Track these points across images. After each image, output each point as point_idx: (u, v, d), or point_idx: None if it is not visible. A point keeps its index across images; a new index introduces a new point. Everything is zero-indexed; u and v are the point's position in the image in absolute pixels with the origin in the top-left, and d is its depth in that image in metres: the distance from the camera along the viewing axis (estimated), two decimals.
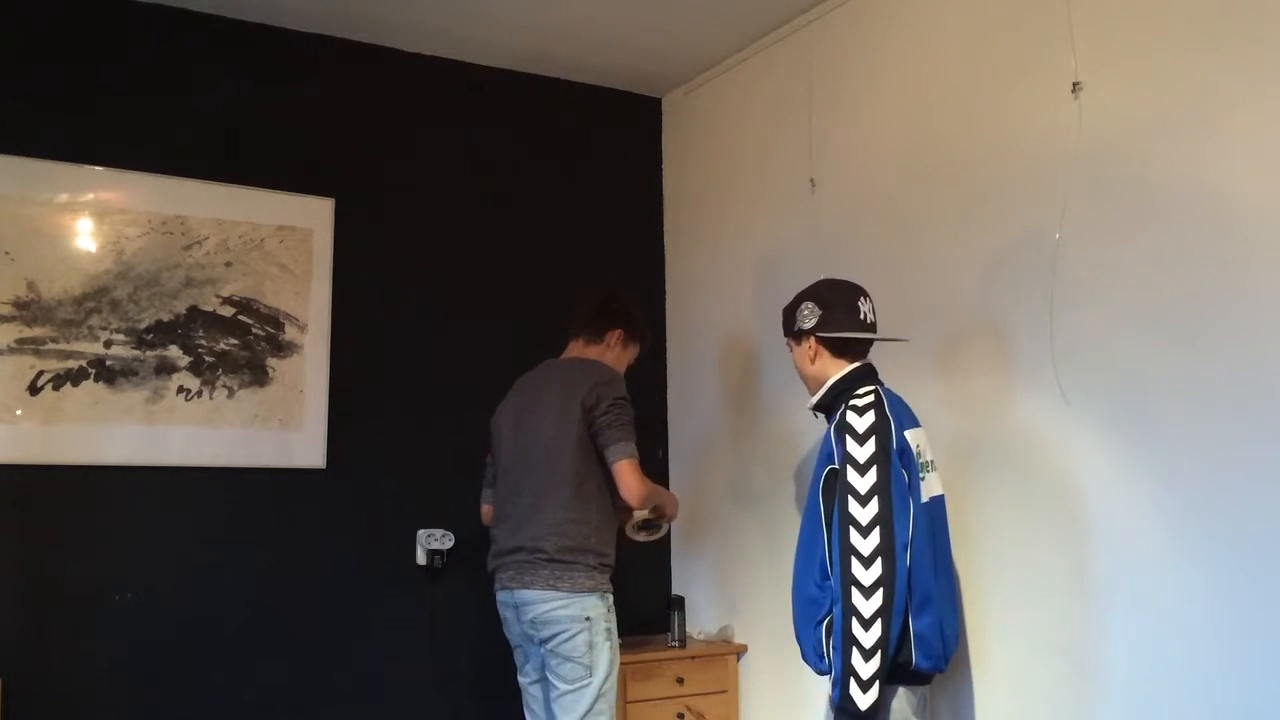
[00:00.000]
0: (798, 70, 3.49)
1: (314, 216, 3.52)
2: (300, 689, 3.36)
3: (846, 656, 2.19)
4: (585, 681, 2.79)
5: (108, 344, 3.20)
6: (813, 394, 2.53)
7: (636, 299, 3.33)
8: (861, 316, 2.50)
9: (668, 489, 3.48)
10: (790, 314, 2.56)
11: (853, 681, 2.18)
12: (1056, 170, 2.58)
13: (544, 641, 2.85)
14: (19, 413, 3.08)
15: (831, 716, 2.28)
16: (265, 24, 3.52)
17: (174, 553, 3.24)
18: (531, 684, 2.96)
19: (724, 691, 3.54)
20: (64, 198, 3.19)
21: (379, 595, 3.49)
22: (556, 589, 2.81)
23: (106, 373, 3.19)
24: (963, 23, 2.92)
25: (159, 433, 3.24)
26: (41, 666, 3.04)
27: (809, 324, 2.50)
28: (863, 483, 2.25)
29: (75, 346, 3.16)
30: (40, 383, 3.11)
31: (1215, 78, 2.27)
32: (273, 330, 3.43)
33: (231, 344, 3.37)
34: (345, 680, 3.42)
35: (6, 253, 3.11)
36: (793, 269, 3.44)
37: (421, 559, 3.54)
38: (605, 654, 2.82)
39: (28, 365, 3.10)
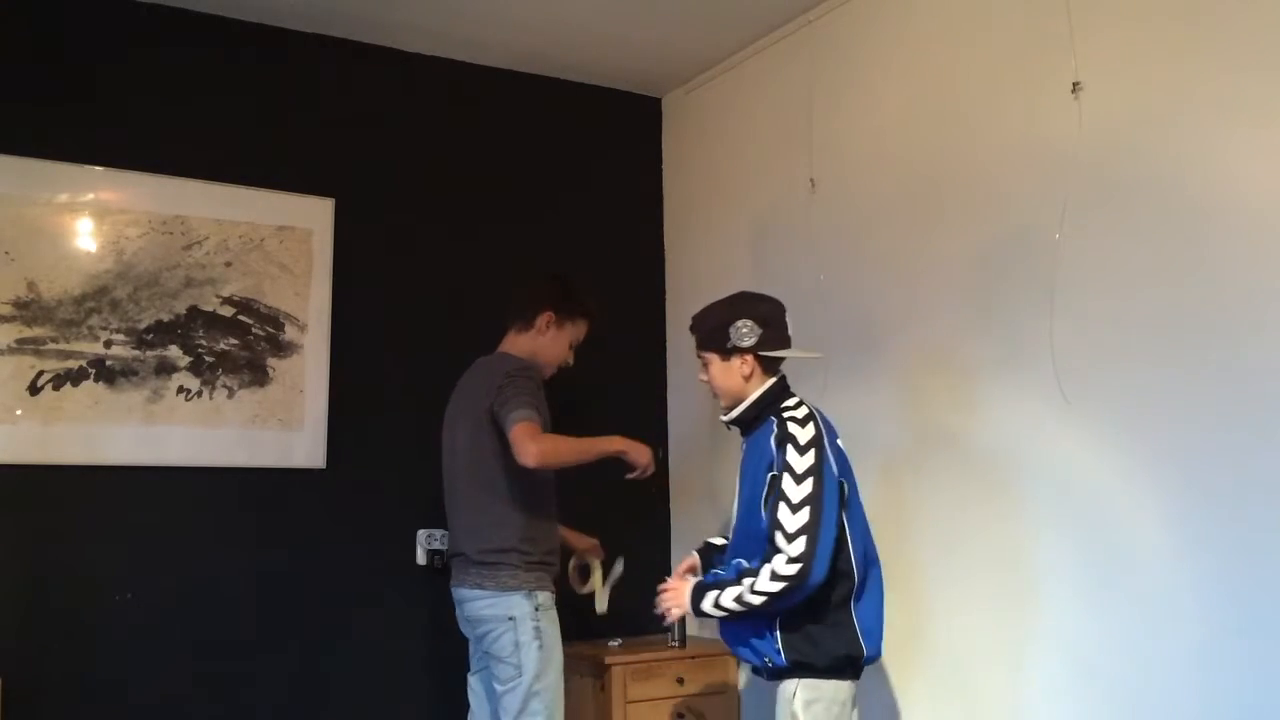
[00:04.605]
0: (798, 70, 3.49)
1: (314, 216, 3.52)
2: (300, 688, 3.36)
3: (739, 589, 2.31)
4: (516, 682, 2.80)
5: (108, 344, 3.20)
6: (728, 408, 2.52)
7: (577, 276, 3.22)
8: (790, 332, 2.53)
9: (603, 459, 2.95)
10: (721, 330, 2.49)
11: (724, 595, 2.33)
12: (1056, 170, 2.58)
13: (479, 639, 2.92)
14: (19, 413, 3.08)
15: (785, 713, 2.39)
16: (265, 24, 3.52)
17: (174, 553, 3.24)
18: (471, 674, 3.01)
19: (724, 692, 3.54)
20: (64, 198, 3.19)
21: (379, 595, 3.49)
22: (483, 587, 2.85)
23: (106, 373, 3.19)
24: (963, 23, 2.92)
25: (159, 433, 3.24)
26: (41, 666, 3.04)
27: (748, 342, 2.47)
28: (797, 491, 2.31)
29: (75, 346, 3.16)
30: (40, 383, 3.11)
31: (1215, 78, 2.27)
32: (273, 330, 3.43)
33: (231, 344, 3.37)
34: (345, 680, 3.42)
35: (6, 253, 3.11)
36: (793, 269, 3.44)
37: (421, 559, 3.54)
38: (533, 653, 2.80)
39: (28, 365, 3.10)
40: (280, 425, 3.40)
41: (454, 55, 3.80)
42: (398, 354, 3.61)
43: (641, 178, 4.18)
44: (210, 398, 3.32)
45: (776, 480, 2.34)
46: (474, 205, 3.81)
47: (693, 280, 4.00)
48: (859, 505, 2.46)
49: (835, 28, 3.36)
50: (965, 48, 2.90)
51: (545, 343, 3.06)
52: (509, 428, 2.76)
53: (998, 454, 2.72)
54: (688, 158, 4.10)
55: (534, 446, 2.71)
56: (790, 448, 2.35)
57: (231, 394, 3.35)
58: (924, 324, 2.96)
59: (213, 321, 3.35)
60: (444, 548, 3.52)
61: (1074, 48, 2.56)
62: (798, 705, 2.34)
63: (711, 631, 3.73)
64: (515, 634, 2.81)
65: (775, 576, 2.26)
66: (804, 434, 2.36)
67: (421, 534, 3.54)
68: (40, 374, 3.11)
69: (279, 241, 3.46)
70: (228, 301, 3.38)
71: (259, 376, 3.39)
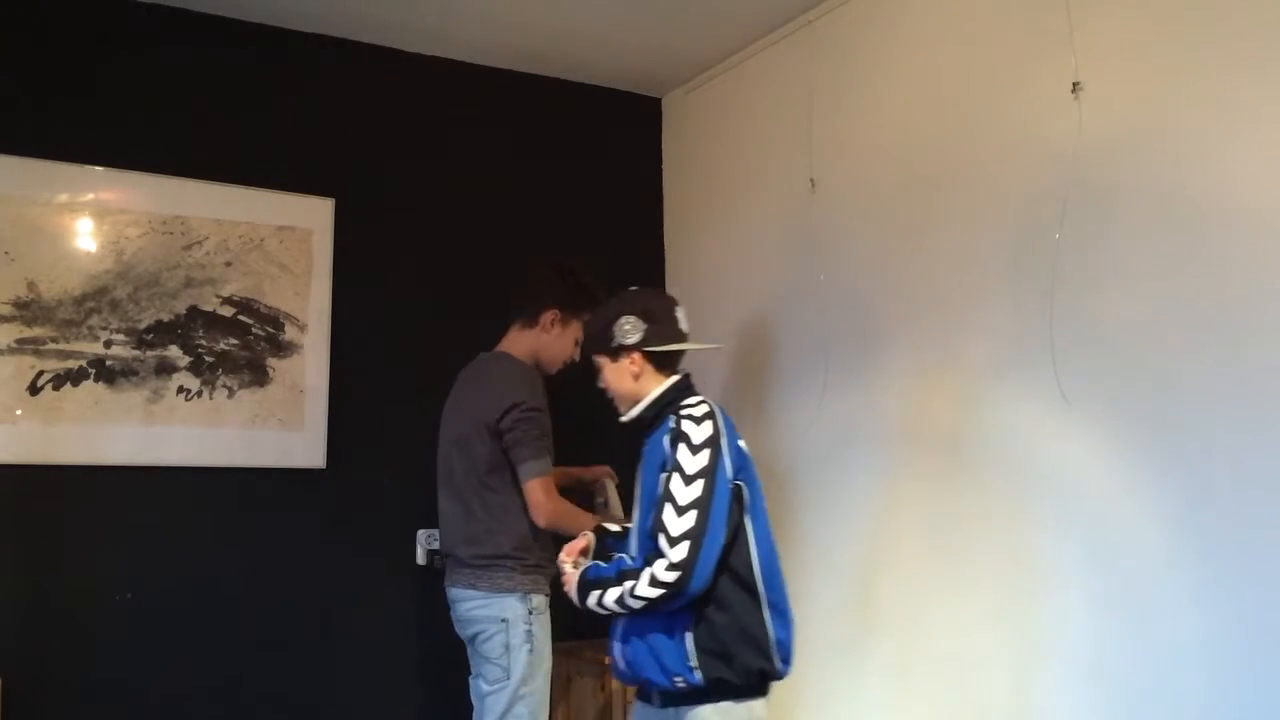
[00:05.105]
0: (798, 70, 3.49)
1: (314, 216, 3.52)
2: (300, 688, 3.36)
3: (619, 590, 2.22)
4: (502, 684, 2.79)
5: (108, 344, 3.20)
6: (625, 411, 2.44)
7: (581, 266, 3.17)
8: (681, 327, 2.45)
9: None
10: (606, 330, 2.43)
11: (606, 596, 2.25)
12: (1056, 170, 2.58)
13: (470, 640, 2.90)
14: (19, 413, 3.08)
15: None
16: (265, 24, 3.52)
17: (174, 553, 3.24)
18: (472, 677, 2.97)
19: None
20: (64, 198, 3.19)
21: (378, 595, 3.50)
22: (476, 588, 2.85)
23: (106, 373, 3.19)
24: (963, 23, 2.92)
25: (159, 433, 3.24)
26: (41, 666, 3.04)
27: (632, 339, 2.39)
28: (685, 493, 2.20)
29: (75, 346, 3.16)
30: (40, 383, 3.11)
31: (1215, 77, 2.27)
32: (273, 330, 3.43)
33: (231, 344, 3.37)
34: (344, 680, 3.42)
35: (6, 253, 3.11)
36: (793, 269, 3.45)
37: (421, 559, 3.54)
38: (523, 657, 2.80)
39: (28, 365, 3.10)
40: (280, 425, 3.40)
41: (454, 55, 3.80)
42: (398, 354, 3.61)
43: (641, 178, 4.18)
44: (210, 398, 3.32)
45: (666, 480, 2.23)
46: (474, 205, 3.81)
47: (693, 280, 4.00)
48: (762, 510, 2.34)
49: (835, 28, 3.36)
50: (965, 48, 2.90)
51: (549, 341, 3.04)
52: (524, 478, 2.83)
53: (997, 454, 2.72)
54: (688, 158, 4.10)
55: (549, 506, 2.82)
56: (683, 446, 2.24)
57: (231, 394, 3.35)
58: (924, 324, 2.96)
59: (213, 321, 3.35)
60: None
61: (1074, 48, 2.56)
62: None
63: None
64: (507, 636, 2.80)
65: (654, 582, 2.16)
66: (699, 432, 2.25)
67: (421, 534, 3.54)
68: (40, 374, 3.11)
69: (279, 241, 3.46)
70: (228, 301, 3.38)
71: (259, 376, 3.39)
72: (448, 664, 3.30)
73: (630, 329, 2.40)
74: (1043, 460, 2.59)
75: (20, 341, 3.10)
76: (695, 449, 2.23)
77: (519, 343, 3.05)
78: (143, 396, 3.23)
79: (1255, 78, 2.20)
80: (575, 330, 3.06)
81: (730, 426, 2.34)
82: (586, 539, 2.51)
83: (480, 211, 3.82)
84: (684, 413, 2.30)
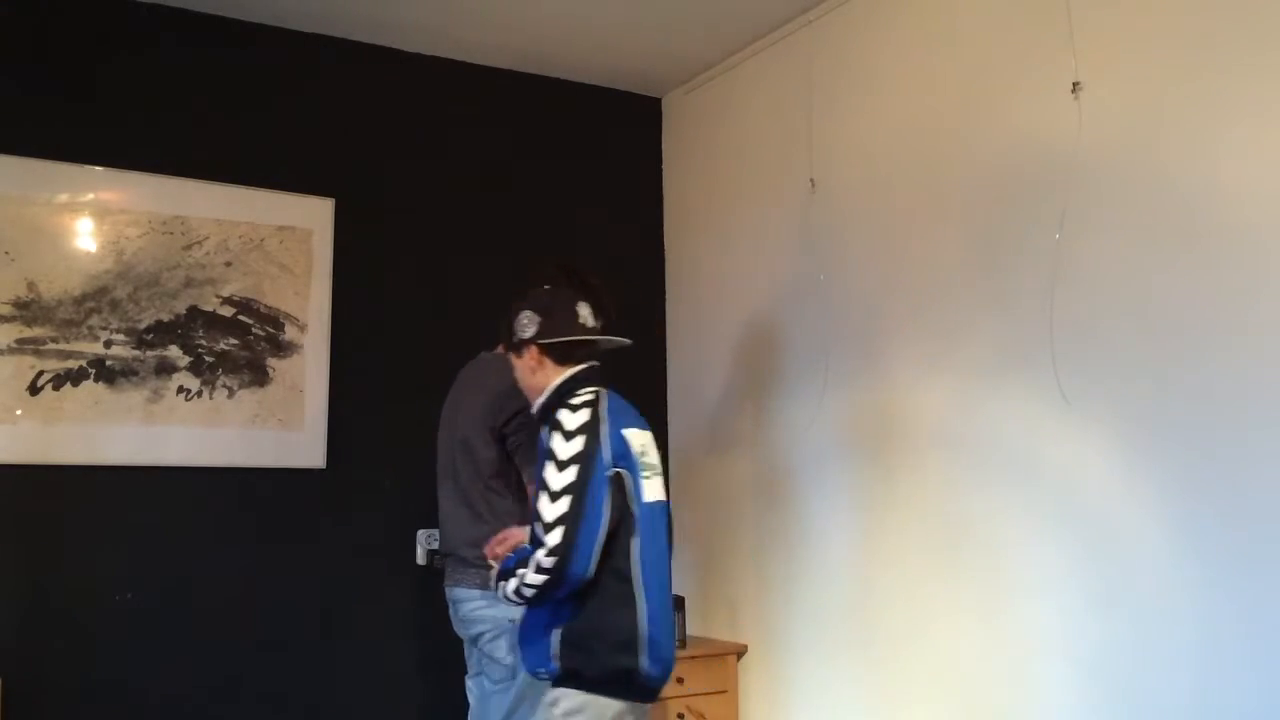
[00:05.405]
0: (798, 70, 3.49)
1: (314, 216, 3.52)
2: (299, 689, 3.36)
3: (515, 581, 2.21)
4: (507, 684, 2.79)
5: (108, 344, 3.20)
6: (533, 403, 2.44)
7: (584, 265, 3.04)
8: (581, 320, 2.44)
9: None
10: (510, 327, 2.48)
11: (508, 586, 2.23)
12: (1056, 170, 2.58)
13: (474, 640, 2.89)
14: (19, 413, 3.08)
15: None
16: (265, 24, 3.52)
17: (174, 553, 3.24)
18: (469, 677, 2.96)
19: (724, 691, 3.53)
20: (64, 198, 3.20)
21: (378, 595, 3.50)
22: (482, 588, 2.82)
23: (106, 373, 3.19)
24: (963, 23, 2.92)
25: (159, 433, 3.24)
26: (41, 666, 3.04)
27: (528, 334, 2.42)
28: (558, 479, 2.20)
29: (75, 346, 3.16)
30: (40, 383, 3.11)
31: (1215, 78, 2.28)
32: (273, 330, 3.43)
33: (231, 344, 3.37)
34: (344, 680, 3.42)
35: (6, 253, 3.11)
36: (793, 269, 3.45)
37: (421, 559, 3.54)
38: None
39: (28, 365, 3.10)
40: (280, 425, 3.41)
41: (454, 55, 3.80)
42: (398, 354, 3.61)
43: (641, 178, 4.18)
44: (210, 398, 3.32)
45: (541, 468, 2.24)
46: (474, 205, 3.81)
47: (693, 280, 4.00)
48: (645, 501, 2.30)
49: (835, 28, 3.36)
50: (965, 47, 2.90)
51: None
52: (528, 482, 2.80)
53: (997, 454, 2.72)
54: (688, 158, 4.10)
55: None
56: (557, 434, 2.25)
57: (231, 394, 3.35)
58: (924, 324, 2.96)
59: (213, 321, 3.35)
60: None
61: (1074, 48, 2.56)
62: (557, 713, 2.21)
63: (711, 631, 3.74)
64: (511, 638, 2.80)
65: (539, 569, 2.16)
66: (573, 419, 2.25)
67: (421, 534, 3.54)
68: (40, 374, 3.11)
69: (279, 241, 3.46)
70: (228, 301, 3.38)
71: (259, 376, 3.40)
72: (448, 664, 3.29)
73: (527, 323, 2.44)
74: (1043, 460, 2.60)
75: (20, 341, 3.10)
76: (569, 435, 2.24)
77: None
78: (143, 396, 3.23)
79: (1254, 78, 2.20)
80: None
81: (616, 414, 2.31)
82: (522, 534, 2.48)
83: (480, 211, 3.82)
84: (565, 402, 2.31)
